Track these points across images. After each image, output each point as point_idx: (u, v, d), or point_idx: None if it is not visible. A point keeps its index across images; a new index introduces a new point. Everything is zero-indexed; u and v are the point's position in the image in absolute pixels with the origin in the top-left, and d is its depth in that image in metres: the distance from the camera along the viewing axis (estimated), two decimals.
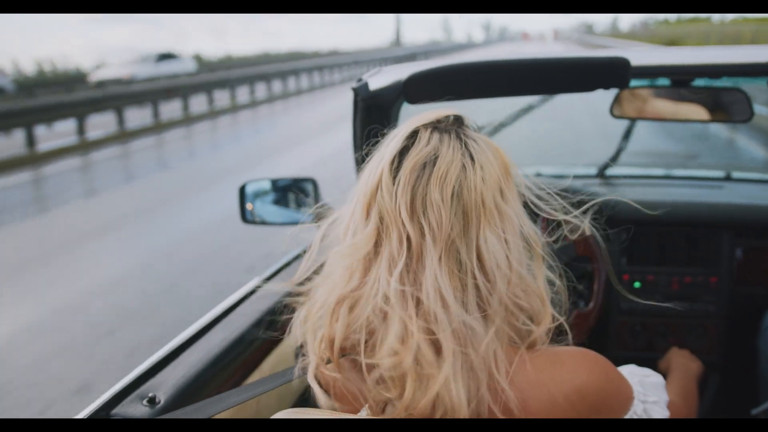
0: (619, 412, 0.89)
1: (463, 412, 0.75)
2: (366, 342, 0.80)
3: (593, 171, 2.40)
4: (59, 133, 12.77)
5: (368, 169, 0.84)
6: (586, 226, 0.98)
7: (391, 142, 0.83)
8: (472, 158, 0.79)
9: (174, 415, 0.91)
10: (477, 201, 0.78)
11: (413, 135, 0.82)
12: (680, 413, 1.07)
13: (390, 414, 0.79)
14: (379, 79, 1.46)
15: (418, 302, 0.76)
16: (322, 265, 0.93)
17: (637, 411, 0.91)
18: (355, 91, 1.46)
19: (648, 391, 0.95)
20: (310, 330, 0.87)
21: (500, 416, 0.77)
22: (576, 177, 2.33)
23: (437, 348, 0.75)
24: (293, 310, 0.95)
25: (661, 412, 0.95)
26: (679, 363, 1.44)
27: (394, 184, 0.79)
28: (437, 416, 0.75)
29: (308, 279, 0.94)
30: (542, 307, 0.83)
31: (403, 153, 0.80)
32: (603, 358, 0.87)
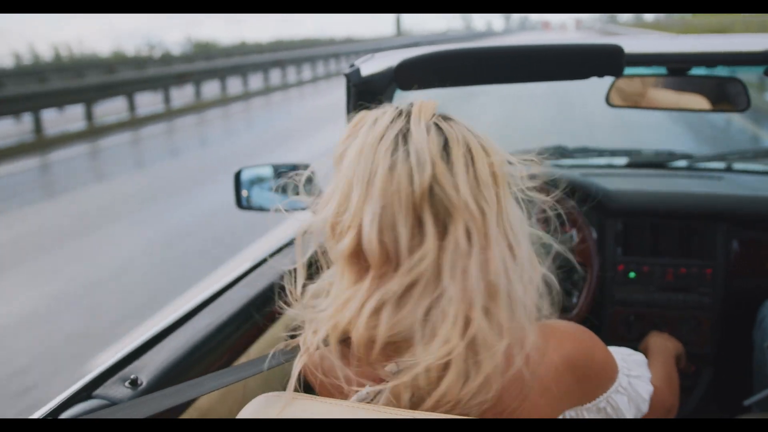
0: (605, 381, 0.91)
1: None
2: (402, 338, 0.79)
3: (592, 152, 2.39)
4: (70, 117, 12.80)
5: (389, 170, 0.78)
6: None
7: (414, 137, 0.79)
8: (480, 140, 0.82)
9: (153, 397, 0.91)
10: (501, 176, 0.81)
11: (438, 128, 0.80)
12: (663, 392, 1.08)
13: (413, 405, 0.80)
14: (371, 65, 1.46)
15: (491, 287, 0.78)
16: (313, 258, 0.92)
17: (622, 383, 0.93)
18: (348, 77, 1.46)
19: (631, 366, 0.99)
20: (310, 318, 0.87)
21: (515, 389, 0.80)
22: (573, 166, 2.32)
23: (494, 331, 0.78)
24: (282, 297, 0.94)
25: (644, 386, 0.98)
26: (657, 343, 1.45)
27: (452, 175, 0.77)
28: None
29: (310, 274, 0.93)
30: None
31: (445, 145, 0.79)
32: (589, 331, 0.91)
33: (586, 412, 0.89)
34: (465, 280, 0.76)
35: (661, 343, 1.46)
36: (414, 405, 0.79)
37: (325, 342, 0.85)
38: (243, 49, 30.42)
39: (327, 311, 0.84)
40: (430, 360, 0.76)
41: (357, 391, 0.82)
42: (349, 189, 0.80)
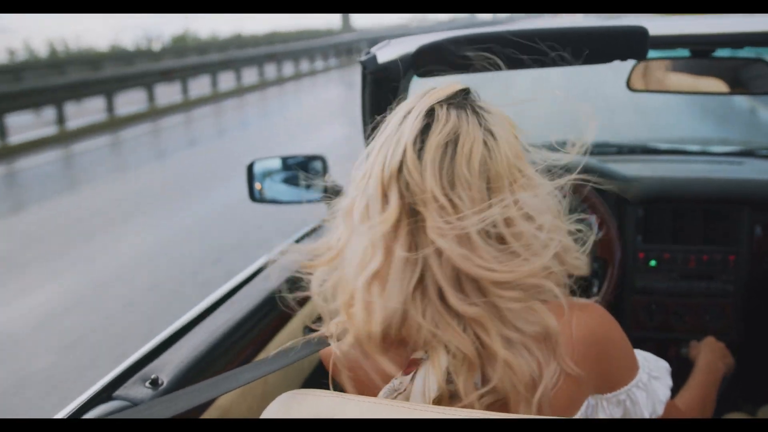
0: (626, 370, 0.91)
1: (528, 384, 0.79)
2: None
3: (611, 147, 2.35)
4: (88, 110, 12.89)
5: (381, 148, 0.84)
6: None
7: (406, 120, 0.83)
8: (491, 132, 0.81)
9: (175, 396, 0.88)
10: (502, 171, 0.80)
11: (430, 113, 0.82)
12: (691, 416, 1.06)
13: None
14: (387, 52, 1.42)
15: (458, 280, 0.78)
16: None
17: (642, 379, 0.93)
18: (363, 64, 1.42)
19: (653, 367, 0.98)
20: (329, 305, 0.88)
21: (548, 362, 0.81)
22: (593, 152, 2.29)
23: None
24: (300, 290, 0.94)
25: (663, 389, 0.97)
26: (708, 361, 1.37)
27: (421, 164, 0.79)
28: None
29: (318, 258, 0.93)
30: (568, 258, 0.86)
31: (424, 132, 0.80)
32: (610, 315, 0.91)
33: (606, 402, 0.89)
34: (429, 264, 0.78)
35: (713, 362, 1.38)
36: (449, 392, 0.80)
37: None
38: (239, 42, 30.53)
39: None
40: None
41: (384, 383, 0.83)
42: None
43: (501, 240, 0.79)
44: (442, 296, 0.78)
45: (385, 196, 0.81)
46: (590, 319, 0.86)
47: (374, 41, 1.59)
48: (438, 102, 0.82)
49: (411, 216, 0.79)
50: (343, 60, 23.63)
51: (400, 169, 0.80)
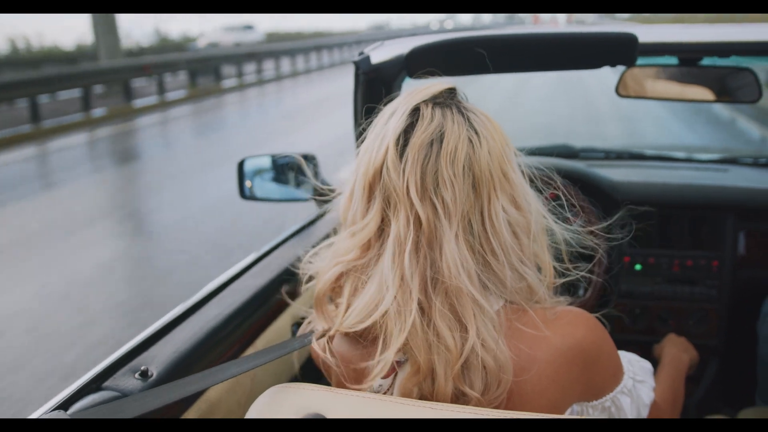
0: (612, 378, 0.92)
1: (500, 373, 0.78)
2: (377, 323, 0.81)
3: (598, 152, 2.37)
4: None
5: (367, 147, 0.84)
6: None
7: (391, 119, 0.82)
8: (476, 132, 0.81)
9: (164, 388, 0.89)
10: (487, 172, 0.80)
11: (415, 112, 0.81)
12: (663, 412, 1.08)
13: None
14: (381, 53, 1.43)
15: (434, 281, 0.78)
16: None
17: (627, 385, 0.94)
18: (357, 64, 1.43)
19: (637, 371, 0.99)
20: (321, 301, 0.89)
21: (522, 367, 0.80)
22: (580, 157, 2.31)
23: (458, 321, 0.78)
24: (288, 286, 0.95)
25: (647, 392, 0.98)
26: (672, 354, 1.40)
27: (401, 163, 0.79)
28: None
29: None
30: (548, 265, 0.88)
31: (408, 131, 0.80)
32: (598, 322, 0.91)
33: (592, 409, 0.90)
34: (403, 267, 0.78)
35: (676, 355, 1.41)
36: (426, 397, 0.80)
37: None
38: (273, 38, 32.08)
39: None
40: (390, 355, 0.78)
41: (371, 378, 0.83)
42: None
43: (483, 242, 0.80)
44: (421, 300, 0.78)
45: (369, 197, 0.81)
46: (577, 329, 0.85)
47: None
48: (423, 101, 0.82)
49: (389, 216, 0.80)
50: None
51: (381, 170, 0.80)
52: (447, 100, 0.83)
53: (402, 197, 0.78)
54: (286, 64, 21.81)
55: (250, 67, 19.74)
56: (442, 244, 0.77)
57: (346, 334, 0.85)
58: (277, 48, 21.95)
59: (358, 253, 0.82)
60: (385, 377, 0.82)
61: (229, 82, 18.10)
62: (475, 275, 0.78)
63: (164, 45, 26.68)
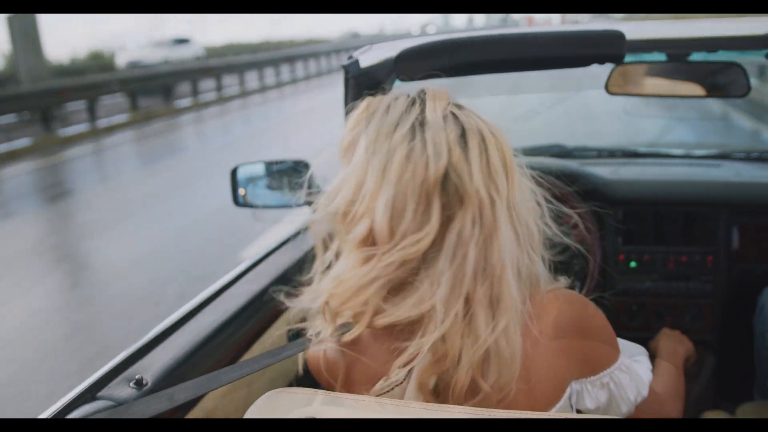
0: (608, 352, 0.94)
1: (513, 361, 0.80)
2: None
3: (591, 151, 2.38)
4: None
5: (405, 158, 0.78)
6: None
7: (433, 124, 0.80)
8: (490, 128, 0.83)
9: (160, 395, 0.89)
10: (510, 160, 0.83)
11: (453, 116, 0.82)
12: (664, 403, 1.09)
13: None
14: (370, 56, 1.44)
15: (484, 271, 0.78)
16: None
17: (624, 363, 0.95)
18: (346, 68, 1.43)
19: (633, 352, 1.04)
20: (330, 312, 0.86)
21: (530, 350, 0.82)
22: (573, 156, 2.31)
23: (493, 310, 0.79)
24: (285, 293, 0.94)
25: (645, 371, 1.00)
26: (667, 347, 1.41)
27: (467, 162, 0.78)
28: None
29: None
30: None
31: (462, 134, 0.80)
32: (581, 296, 0.93)
33: (590, 385, 0.91)
34: (465, 264, 0.78)
35: (671, 347, 1.42)
36: (440, 389, 0.80)
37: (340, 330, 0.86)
38: (235, 49, 30.40)
39: (328, 293, 0.85)
40: (428, 341, 0.78)
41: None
42: (363, 177, 0.80)
43: (519, 229, 0.83)
44: (469, 292, 0.79)
45: (426, 205, 0.78)
46: (572, 306, 0.88)
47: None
48: (443, 105, 0.82)
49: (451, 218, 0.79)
50: None
51: (446, 173, 0.78)
52: (457, 104, 0.86)
53: (471, 194, 0.77)
54: (253, 79, 19.86)
55: (208, 84, 17.59)
56: (498, 234, 0.79)
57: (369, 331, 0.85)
58: (238, 61, 20.06)
59: (399, 266, 0.79)
60: (401, 367, 0.83)
61: (184, 102, 16.20)
62: (515, 264, 0.81)
63: (95, 63, 23.98)
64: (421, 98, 0.84)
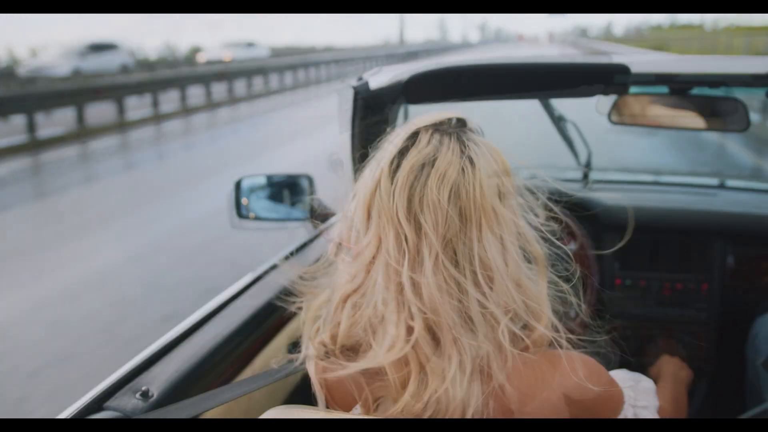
0: (610, 410, 0.91)
1: (460, 412, 0.76)
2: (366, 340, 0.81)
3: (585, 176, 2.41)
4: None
5: (368, 170, 0.85)
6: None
7: (391, 143, 0.84)
8: (471, 161, 0.80)
9: (164, 411, 0.90)
10: (475, 203, 0.78)
11: (414, 136, 0.82)
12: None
13: (383, 412, 0.81)
14: (379, 79, 1.46)
15: (421, 300, 0.77)
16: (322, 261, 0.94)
17: (627, 415, 0.93)
18: (356, 89, 1.46)
19: (639, 396, 0.98)
20: (309, 326, 0.90)
21: (499, 416, 0.78)
22: (567, 181, 2.34)
23: (437, 344, 0.77)
24: (288, 306, 0.96)
25: (651, 417, 0.98)
26: (669, 371, 1.44)
27: (392, 184, 0.79)
28: (431, 415, 0.77)
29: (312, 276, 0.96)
30: (541, 310, 0.84)
31: (402, 153, 0.81)
32: (596, 362, 0.89)
33: None
34: (400, 290, 0.78)
35: (674, 371, 1.44)
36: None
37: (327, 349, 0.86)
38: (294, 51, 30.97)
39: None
40: (385, 360, 0.78)
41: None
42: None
43: (469, 275, 0.78)
44: (408, 323, 0.78)
45: (367, 219, 0.82)
46: (568, 380, 0.83)
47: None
48: (424, 126, 0.83)
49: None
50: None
51: (375, 191, 0.81)
52: (450, 128, 0.83)
53: (391, 217, 0.79)
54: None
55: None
56: (424, 269, 0.77)
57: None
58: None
59: (364, 275, 0.82)
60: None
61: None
62: (454, 307, 0.77)
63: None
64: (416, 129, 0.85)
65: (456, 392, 0.76)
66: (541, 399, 0.81)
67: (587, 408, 0.84)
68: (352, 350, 0.84)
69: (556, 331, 0.85)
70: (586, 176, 2.36)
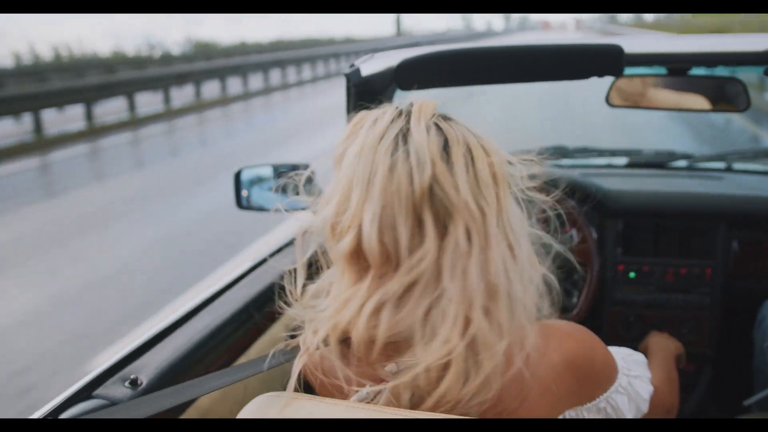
0: (605, 382, 0.92)
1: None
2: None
3: (592, 152, 2.39)
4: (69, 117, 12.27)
5: (389, 170, 0.78)
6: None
7: (416, 137, 0.79)
8: (479, 140, 0.81)
9: (154, 396, 0.91)
10: (500, 175, 0.80)
11: (437, 127, 0.80)
12: (662, 392, 1.09)
13: (414, 405, 0.80)
14: (371, 65, 1.45)
15: (484, 289, 0.77)
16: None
17: (622, 383, 0.94)
18: (348, 77, 1.45)
19: (631, 366, 0.99)
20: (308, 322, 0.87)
21: (514, 385, 0.80)
22: (572, 166, 2.32)
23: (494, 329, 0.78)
24: (282, 297, 0.95)
25: (644, 386, 0.98)
26: (657, 343, 1.45)
27: (452, 176, 0.77)
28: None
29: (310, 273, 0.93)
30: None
31: (445, 146, 0.78)
32: (589, 331, 0.91)
33: (586, 412, 0.89)
34: (465, 280, 0.76)
35: (661, 342, 1.46)
36: (414, 405, 0.79)
37: (325, 342, 0.85)
38: (243, 48, 30.18)
39: (327, 311, 0.84)
40: (429, 360, 0.76)
41: (357, 391, 0.82)
42: (349, 189, 0.80)
43: (511, 243, 0.80)
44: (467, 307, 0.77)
45: (416, 223, 0.77)
46: (566, 344, 0.85)
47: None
48: (428, 117, 0.81)
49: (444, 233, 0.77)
50: None
51: (431, 186, 0.76)
52: (446, 116, 0.83)
53: (459, 207, 0.76)
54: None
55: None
56: (492, 246, 0.77)
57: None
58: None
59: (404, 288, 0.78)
60: (373, 384, 0.82)
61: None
62: (511, 282, 0.78)
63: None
64: (407, 110, 0.83)
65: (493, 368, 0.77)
66: (544, 366, 0.82)
67: (582, 374, 0.86)
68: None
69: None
70: (587, 152, 2.34)
